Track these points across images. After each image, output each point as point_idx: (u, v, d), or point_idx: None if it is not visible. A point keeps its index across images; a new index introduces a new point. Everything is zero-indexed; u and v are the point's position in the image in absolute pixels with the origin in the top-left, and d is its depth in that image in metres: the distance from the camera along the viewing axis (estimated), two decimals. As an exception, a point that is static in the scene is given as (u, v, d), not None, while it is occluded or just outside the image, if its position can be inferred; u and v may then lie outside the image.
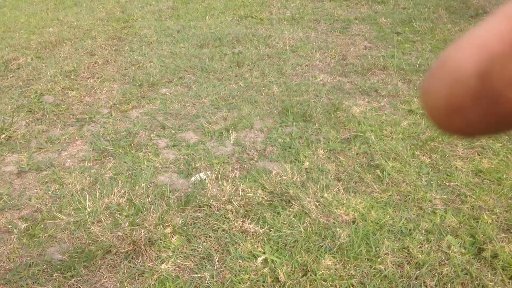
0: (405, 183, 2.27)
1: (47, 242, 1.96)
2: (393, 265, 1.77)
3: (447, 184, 2.27)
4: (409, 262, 1.79)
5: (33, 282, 1.76)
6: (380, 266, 1.76)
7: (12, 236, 1.99)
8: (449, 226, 1.97)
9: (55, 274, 1.79)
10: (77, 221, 2.06)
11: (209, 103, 3.27)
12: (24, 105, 3.21)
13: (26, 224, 2.05)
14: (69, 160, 2.58)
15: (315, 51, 4.24)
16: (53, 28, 5.04)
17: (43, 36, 4.69)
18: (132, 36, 4.76)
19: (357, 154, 2.56)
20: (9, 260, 1.87)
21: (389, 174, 2.33)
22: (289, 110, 3.09)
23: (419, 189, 2.22)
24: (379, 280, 1.70)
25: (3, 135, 2.79)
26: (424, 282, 1.68)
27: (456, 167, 2.40)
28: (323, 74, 3.78)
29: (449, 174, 2.34)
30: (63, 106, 3.22)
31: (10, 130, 2.87)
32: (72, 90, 3.47)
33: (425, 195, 2.18)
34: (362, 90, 3.44)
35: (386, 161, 2.44)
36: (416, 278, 1.70)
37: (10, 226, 2.04)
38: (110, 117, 3.09)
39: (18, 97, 3.34)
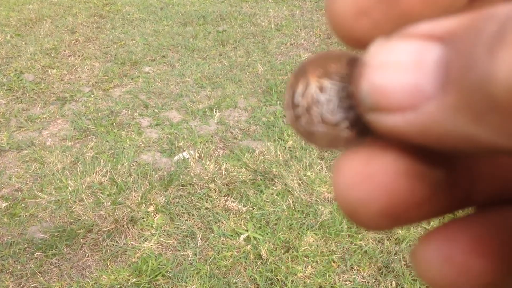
0: (387, 161, 2.29)
1: (28, 221, 1.94)
2: (373, 241, 1.80)
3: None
4: (389, 238, 1.81)
5: (14, 261, 1.75)
6: (361, 242, 1.79)
7: (-7, 216, 1.97)
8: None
9: (36, 253, 1.78)
10: (58, 200, 2.05)
11: (193, 82, 3.24)
12: (4, 84, 3.14)
13: (6, 203, 2.02)
14: (50, 139, 2.55)
15: (300, 29, 4.21)
16: (33, 5, 4.91)
17: (22, 13, 4.57)
18: (114, 13, 4.66)
19: (340, 132, 2.56)
20: (-10, 240, 1.86)
21: (371, 152, 2.35)
22: (274, 89, 3.07)
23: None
24: (360, 256, 1.73)
25: (-18, 114, 2.74)
26: (404, 257, 1.71)
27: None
28: (308, 53, 3.76)
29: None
30: (43, 85, 3.16)
31: (-11, 108, 2.82)
32: (53, 68, 3.40)
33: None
34: (346, 69, 3.43)
35: (368, 140, 2.45)
36: (395, 253, 1.73)
37: (-10, 205, 2.02)
38: (92, 95, 3.04)
39: (-3, 75, 3.26)
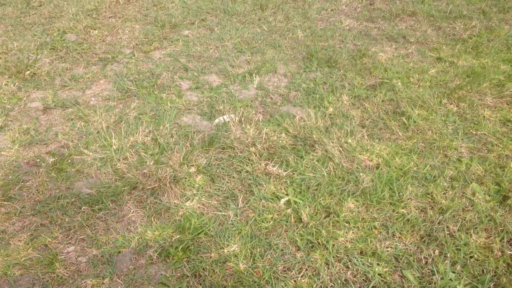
0: (431, 131, 2.24)
1: (74, 177, 2.00)
2: (416, 209, 1.78)
3: (474, 132, 2.24)
4: (433, 207, 1.79)
5: (62, 214, 1.81)
6: (403, 210, 1.77)
7: (41, 170, 2.03)
8: (474, 174, 1.96)
9: (83, 207, 1.84)
10: (103, 157, 2.10)
11: (232, 46, 3.22)
12: (47, 43, 3.20)
13: (53, 159, 2.09)
14: (93, 99, 2.59)
15: (341, -5, 4.10)
16: (73, -34, 4.93)
17: (63, -26, 4.59)
18: (153, -25, 4.64)
19: (382, 101, 2.52)
20: (38, 192, 1.92)
21: (414, 122, 2.30)
22: (314, 56, 3.02)
23: (445, 137, 2.19)
24: (402, 224, 1.71)
25: (28, 72, 2.80)
26: (447, 227, 1.69)
27: (484, 116, 2.35)
28: (349, 19, 3.67)
29: (476, 123, 2.30)
30: (85, 45, 3.20)
31: (34, 67, 2.87)
32: (94, 29, 3.43)
33: (451, 143, 2.15)
34: (389, 36, 3.34)
35: (412, 109, 2.40)
36: (439, 223, 1.71)
37: (38, 160, 2.09)
38: (133, 57, 3.07)
39: (41, 35, 3.32)
